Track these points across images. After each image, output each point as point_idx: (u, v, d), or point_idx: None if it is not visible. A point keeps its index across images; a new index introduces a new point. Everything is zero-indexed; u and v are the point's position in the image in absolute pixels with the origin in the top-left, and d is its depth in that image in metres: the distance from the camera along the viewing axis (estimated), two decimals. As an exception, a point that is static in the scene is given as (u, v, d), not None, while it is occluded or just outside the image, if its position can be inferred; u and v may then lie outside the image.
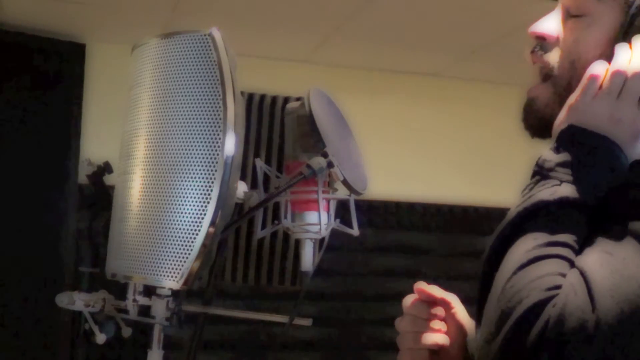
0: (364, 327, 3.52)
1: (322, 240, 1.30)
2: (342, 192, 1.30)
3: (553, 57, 0.95)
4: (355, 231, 1.33)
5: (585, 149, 0.85)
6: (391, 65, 3.55)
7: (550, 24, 0.96)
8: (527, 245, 0.80)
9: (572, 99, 0.89)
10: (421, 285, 1.07)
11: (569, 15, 0.94)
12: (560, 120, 0.89)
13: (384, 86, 3.62)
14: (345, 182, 1.25)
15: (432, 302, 1.07)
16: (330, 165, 1.20)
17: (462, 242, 3.67)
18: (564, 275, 0.77)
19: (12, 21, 3.05)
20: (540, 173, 0.87)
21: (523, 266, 0.78)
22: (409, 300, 1.07)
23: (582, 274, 0.76)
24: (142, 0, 2.80)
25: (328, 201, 1.29)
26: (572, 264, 0.78)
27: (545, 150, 0.89)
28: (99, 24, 3.11)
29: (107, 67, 3.20)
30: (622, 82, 0.86)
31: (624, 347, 0.72)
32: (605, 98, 0.86)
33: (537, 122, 0.96)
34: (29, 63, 3.13)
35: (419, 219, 3.65)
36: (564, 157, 0.86)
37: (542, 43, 0.96)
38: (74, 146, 3.14)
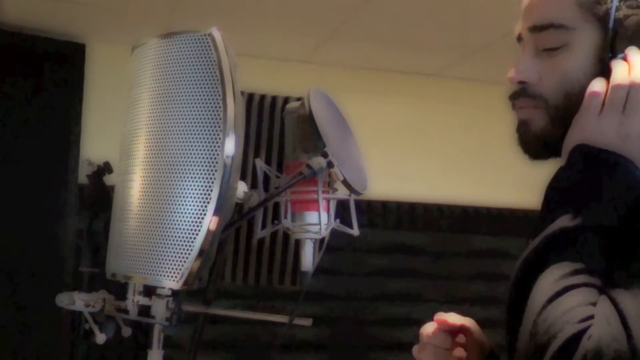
0: (364, 327, 3.52)
1: (322, 240, 1.30)
2: (342, 192, 1.30)
3: (542, 93, 0.93)
4: (355, 231, 1.33)
5: (598, 168, 0.84)
6: (391, 65, 3.55)
7: (528, 66, 0.94)
8: (553, 276, 0.79)
9: (577, 118, 0.87)
10: (442, 316, 1.04)
11: (541, 50, 0.93)
12: (570, 141, 0.88)
13: (384, 86, 3.62)
14: (345, 182, 1.25)
15: (453, 330, 1.04)
16: (330, 165, 1.20)
17: (462, 242, 3.67)
18: (594, 304, 0.76)
19: (12, 21, 3.05)
20: (555, 197, 0.85)
21: (552, 299, 0.77)
22: (429, 329, 1.04)
23: (613, 301, 0.75)
24: (142, 0, 2.80)
25: (328, 201, 1.29)
26: (600, 291, 0.77)
27: (557, 173, 0.87)
28: (99, 24, 3.11)
29: (107, 67, 3.20)
30: (625, 95, 0.85)
31: None
32: (610, 114, 0.85)
33: (533, 144, 0.94)
34: (29, 63, 3.13)
35: (419, 219, 3.64)
36: (577, 178, 0.84)
37: (524, 87, 0.94)
38: (74, 146, 3.14)
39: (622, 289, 0.77)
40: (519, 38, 0.97)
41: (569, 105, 0.90)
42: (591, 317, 0.74)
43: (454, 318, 1.04)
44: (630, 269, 0.79)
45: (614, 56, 0.88)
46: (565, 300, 0.77)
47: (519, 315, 0.80)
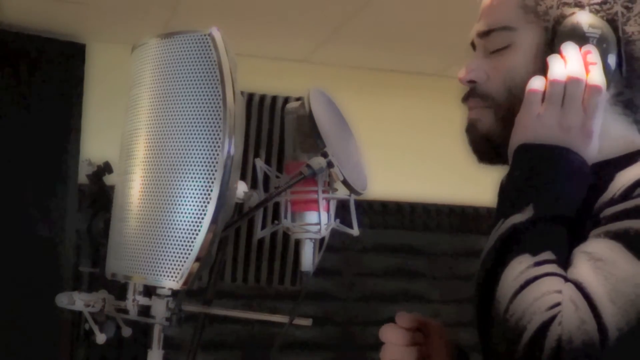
0: (364, 327, 3.52)
1: (322, 240, 1.30)
2: (342, 192, 1.30)
3: (490, 91, 0.97)
4: (355, 231, 1.33)
5: (542, 163, 0.86)
6: (391, 65, 3.55)
7: (476, 66, 0.98)
8: (514, 271, 0.80)
9: (519, 117, 0.90)
10: (401, 314, 1.06)
11: (490, 52, 0.97)
12: (514, 142, 0.90)
13: (384, 86, 3.62)
14: (345, 182, 1.25)
15: (412, 328, 1.05)
16: (330, 165, 1.20)
17: (462, 242, 3.67)
18: (559, 292, 0.76)
19: (12, 21, 3.05)
20: (506, 197, 0.88)
21: (517, 293, 0.78)
22: (386, 329, 1.05)
23: (578, 285, 0.76)
24: (142, 0, 2.80)
25: (328, 201, 1.28)
26: (564, 279, 0.78)
27: (505, 174, 0.90)
28: (99, 24, 3.11)
29: (107, 67, 3.20)
30: (562, 90, 0.87)
31: (637, 347, 0.72)
32: (550, 109, 0.87)
33: (480, 144, 0.98)
34: (29, 63, 3.13)
35: (419, 219, 3.65)
36: (525, 176, 0.86)
37: (474, 86, 0.98)
38: (74, 146, 3.14)
39: (581, 266, 0.78)
40: (473, 45, 1.02)
41: (512, 103, 0.93)
42: (558, 304, 0.75)
43: (414, 317, 1.05)
44: (586, 247, 0.80)
45: (552, 53, 0.91)
46: (530, 292, 0.77)
47: (488, 315, 0.81)
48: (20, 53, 3.11)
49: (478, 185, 3.69)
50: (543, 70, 0.90)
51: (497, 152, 0.96)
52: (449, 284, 3.63)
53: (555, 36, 0.91)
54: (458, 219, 3.69)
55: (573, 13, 0.91)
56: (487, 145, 0.97)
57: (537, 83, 0.89)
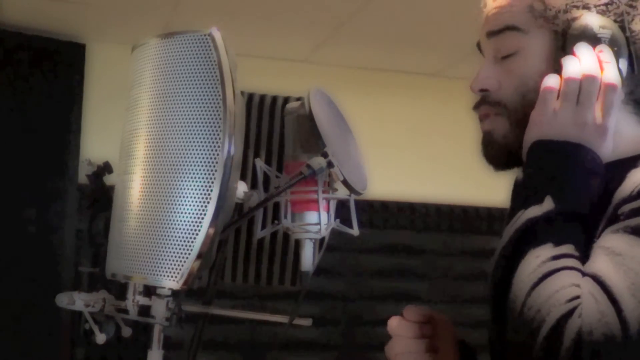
0: (364, 327, 3.52)
1: (322, 240, 1.30)
2: (342, 192, 1.30)
3: (502, 99, 0.96)
4: (355, 231, 1.33)
5: (557, 159, 0.86)
6: (391, 65, 3.55)
7: (487, 74, 0.98)
8: (531, 265, 0.80)
9: (534, 115, 0.90)
10: (408, 308, 1.06)
11: (499, 58, 0.97)
12: (529, 138, 0.91)
13: (384, 86, 3.62)
14: (345, 182, 1.25)
15: (420, 322, 1.05)
16: (330, 165, 1.20)
17: (462, 242, 3.67)
18: (578, 285, 0.76)
19: (12, 21, 3.05)
20: (522, 192, 0.88)
21: (534, 286, 0.78)
22: (394, 322, 1.05)
23: (597, 279, 0.76)
24: (142, 0, 2.80)
25: (328, 201, 1.28)
26: (581, 273, 0.78)
27: (520, 171, 0.90)
28: (99, 24, 3.11)
29: (107, 67, 3.20)
30: (577, 87, 0.88)
31: None
32: (566, 106, 0.88)
33: (498, 154, 0.98)
34: (29, 63, 3.13)
35: (419, 219, 3.64)
36: (540, 172, 0.87)
37: (485, 94, 0.98)
38: (74, 146, 3.14)
39: (600, 260, 0.78)
40: (479, 47, 1.02)
41: (526, 108, 0.93)
42: (577, 297, 0.75)
43: (422, 310, 1.05)
44: (605, 241, 0.80)
45: (565, 54, 0.91)
46: (548, 285, 0.77)
47: (504, 309, 0.81)
48: (20, 52, 3.11)
49: (478, 185, 3.70)
50: (555, 70, 0.91)
51: (515, 158, 0.96)
52: (449, 284, 3.63)
53: (566, 39, 0.92)
54: (458, 219, 3.69)
55: (581, 15, 0.92)
56: (505, 154, 0.97)
57: (552, 81, 0.90)
